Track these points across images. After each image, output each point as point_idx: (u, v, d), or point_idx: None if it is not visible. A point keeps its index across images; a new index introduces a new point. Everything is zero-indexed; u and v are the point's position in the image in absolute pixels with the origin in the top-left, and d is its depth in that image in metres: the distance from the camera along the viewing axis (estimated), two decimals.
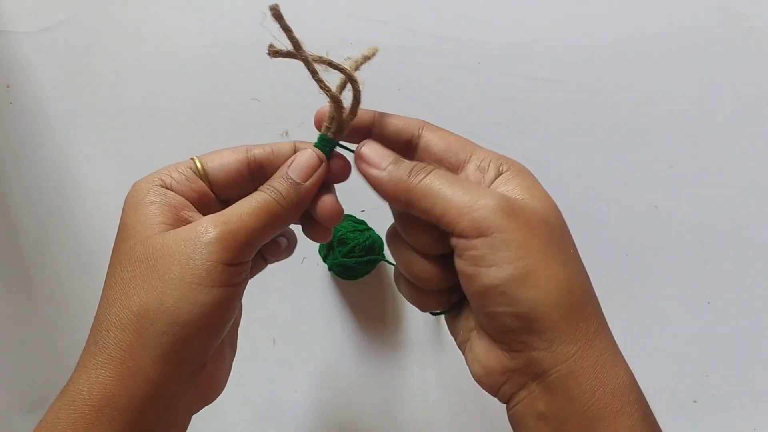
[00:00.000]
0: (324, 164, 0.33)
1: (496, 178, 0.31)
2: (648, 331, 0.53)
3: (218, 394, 0.33)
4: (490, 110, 0.52)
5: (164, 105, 0.55)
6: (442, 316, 0.37)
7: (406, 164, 0.31)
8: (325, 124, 0.34)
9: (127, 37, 0.54)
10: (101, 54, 0.54)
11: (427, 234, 0.32)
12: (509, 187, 0.31)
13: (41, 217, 0.56)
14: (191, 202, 0.32)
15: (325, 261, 0.52)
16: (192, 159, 0.33)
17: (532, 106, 0.52)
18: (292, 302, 0.55)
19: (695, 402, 0.53)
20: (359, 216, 0.53)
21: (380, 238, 0.52)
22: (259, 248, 0.32)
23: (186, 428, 0.32)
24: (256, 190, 0.33)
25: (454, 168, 0.33)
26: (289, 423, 0.56)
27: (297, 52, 0.30)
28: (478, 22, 0.52)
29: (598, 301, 0.30)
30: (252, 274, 0.37)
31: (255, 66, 0.53)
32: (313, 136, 0.56)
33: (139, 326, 0.28)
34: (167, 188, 0.32)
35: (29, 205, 0.56)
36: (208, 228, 0.29)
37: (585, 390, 0.27)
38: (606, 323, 0.30)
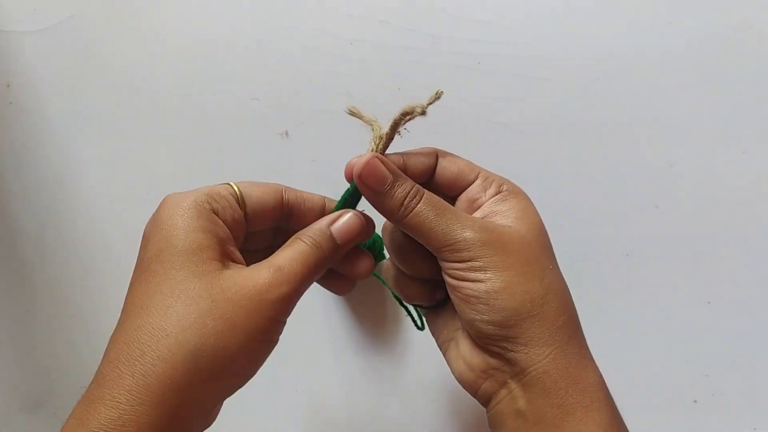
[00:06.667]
0: (365, 232, 0.35)
1: (495, 195, 0.35)
2: (648, 331, 0.53)
3: None
4: (490, 110, 0.52)
5: (164, 105, 0.55)
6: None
7: (401, 190, 0.33)
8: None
9: (126, 37, 0.54)
10: (101, 54, 0.54)
11: (418, 251, 0.35)
12: (503, 207, 0.34)
13: (41, 217, 0.56)
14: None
15: None
16: (229, 185, 0.33)
17: (532, 106, 0.52)
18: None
19: (695, 402, 0.53)
20: None
21: (380, 239, 0.52)
22: None
23: None
24: (277, 230, 0.36)
25: (464, 187, 0.36)
26: (289, 423, 0.56)
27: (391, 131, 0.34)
28: (478, 22, 0.52)
29: (574, 311, 0.33)
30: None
31: (255, 66, 0.53)
32: (314, 137, 0.56)
33: (193, 366, 0.28)
34: (216, 214, 0.32)
35: (29, 205, 0.56)
36: (274, 284, 0.31)
37: (559, 387, 0.30)
38: (580, 331, 0.33)
